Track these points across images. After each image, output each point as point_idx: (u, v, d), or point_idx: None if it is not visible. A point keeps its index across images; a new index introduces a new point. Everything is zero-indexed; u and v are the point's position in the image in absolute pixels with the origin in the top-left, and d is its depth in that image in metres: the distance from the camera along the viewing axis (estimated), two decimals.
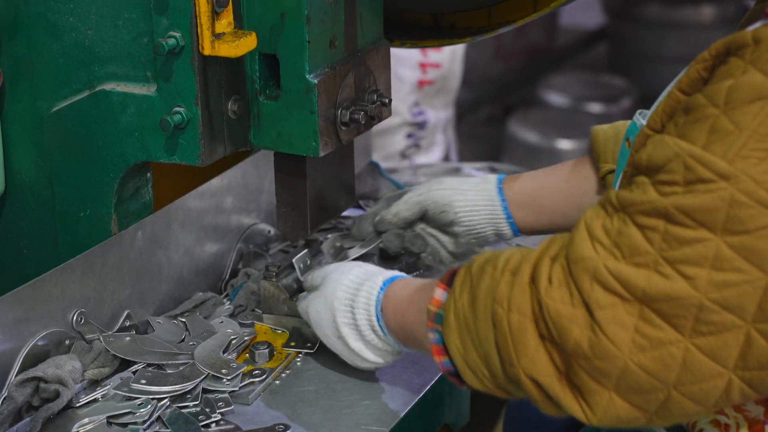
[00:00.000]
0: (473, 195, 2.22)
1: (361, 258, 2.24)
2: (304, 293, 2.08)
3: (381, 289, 1.90)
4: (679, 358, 1.53)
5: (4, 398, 1.88)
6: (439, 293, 1.75)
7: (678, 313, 1.52)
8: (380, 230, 2.28)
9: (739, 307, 1.50)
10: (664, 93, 1.69)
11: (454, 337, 1.70)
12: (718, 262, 1.51)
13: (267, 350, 2.06)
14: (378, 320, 1.89)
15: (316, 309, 1.97)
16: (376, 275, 1.93)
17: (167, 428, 1.88)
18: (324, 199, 2.16)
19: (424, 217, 2.26)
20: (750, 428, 1.70)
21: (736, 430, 1.71)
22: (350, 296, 1.92)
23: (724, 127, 1.52)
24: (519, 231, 2.22)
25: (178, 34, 1.94)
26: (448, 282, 1.75)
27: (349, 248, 2.29)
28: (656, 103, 1.71)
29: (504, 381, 1.66)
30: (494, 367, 1.65)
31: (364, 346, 1.93)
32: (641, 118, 1.83)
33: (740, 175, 1.49)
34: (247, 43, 1.93)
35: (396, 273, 1.95)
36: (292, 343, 2.11)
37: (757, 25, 1.59)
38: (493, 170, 3.15)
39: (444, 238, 2.26)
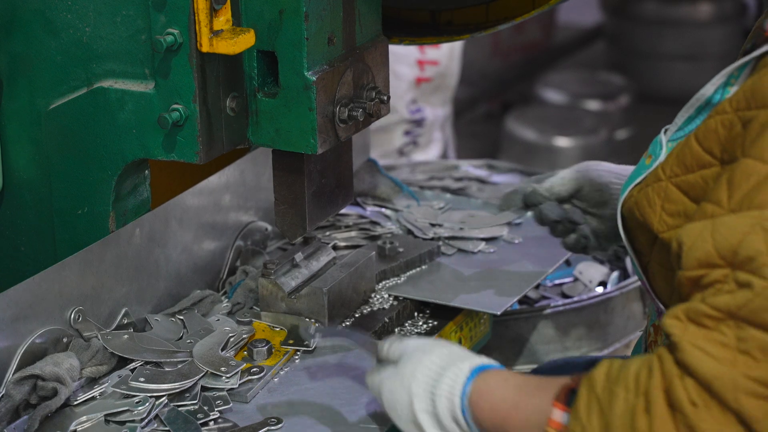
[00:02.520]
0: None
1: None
2: (378, 366, 1.87)
3: (469, 378, 1.73)
4: None
5: (2, 396, 1.88)
6: (559, 414, 1.61)
7: None
8: (531, 203, 2.24)
9: None
10: (676, 134, 1.66)
11: None
12: None
13: (265, 348, 2.06)
14: (463, 412, 1.72)
15: (390, 389, 1.79)
16: (463, 360, 1.76)
17: (165, 426, 1.88)
18: (322, 197, 2.16)
19: (577, 195, 2.22)
20: None
21: None
22: (432, 381, 1.75)
23: None
24: None
25: (176, 31, 1.93)
26: (566, 401, 1.62)
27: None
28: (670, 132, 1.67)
29: None
30: None
31: None
32: (664, 136, 1.80)
33: None
34: (246, 40, 1.92)
35: (485, 361, 1.77)
36: (291, 341, 2.10)
37: (765, 48, 1.56)
38: (490, 167, 3.15)
39: (592, 221, 2.21)
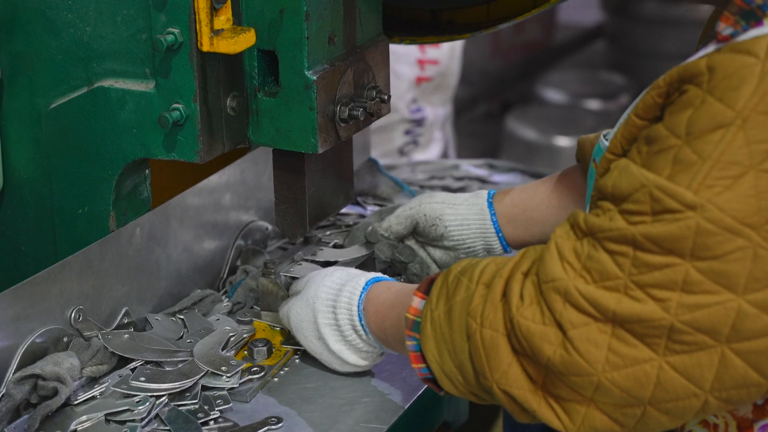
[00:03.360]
0: (464, 209, 2.23)
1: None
2: (286, 300, 2.08)
3: (363, 289, 1.93)
4: (653, 376, 1.56)
5: (2, 395, 1.87)
6: (417, 301, 1.79)
7: (650, 333, 1.55)
8: (370, 241, 2.29)
9: (712, 329, 1.53)
10: (622, 118, 1.71)
11: (431, 346, 1.74)
12: (687, 285, 1.53)
13: (265, 347, 2.06)
14: (360, 320, 1.92)
15: (296, 311, 1.99)
16: (359, 276, 1.95)
17: (166, 426, 1.88)
18: (322, 196, 2.16)
19: (415, 230, 2.26)
20: (739, 427, 1.71)
21: (725, 429, 1.72)
22: (332, 297, 1.94)
23: (687, 157, 1.54)
24: (509, 246, 2.23)
25: (176, 31, 1.93)
26: (426, 290, 1.79)
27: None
28: (615, 128, 1.72)
29: (478, 390, 1.71)
30: (469, 376, 1.70)
31: (345, 348, 1.95)
32: (605, 140, 1.84)
33: (706, 204, 1.52)
34: (246, 39, 1.92)
35: (379, 275, 1.97)
36: (291, 341, 2.10)
37: (710, 49, 1.60)
38: (491, 167, 3.15)
39: (435, 252, 2.27)
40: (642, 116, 1.66)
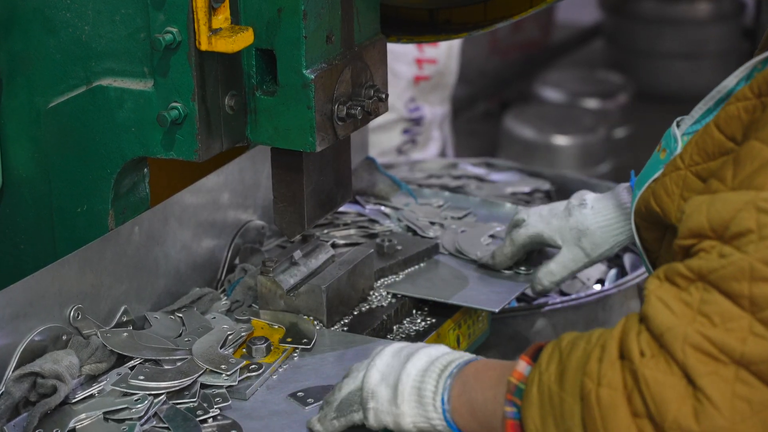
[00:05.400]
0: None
1: None
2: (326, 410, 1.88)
3: (464, 362, 1.77)
4: None
5: (2, 393, 1.88)
6: (523, 366, 1.67)
7: None
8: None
9: None
10: (692, 127, 1.66)
11: (533, 413, 1.62)
12: None
13: (264, 345, 2.06)
14: (443, 401, 1.75)
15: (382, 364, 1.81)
16: (456, 352, 1.80)
17: (164, 424, 1.88)
18: (321, 195, 2.16)
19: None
20: None
21: None
22: (430, 360, 1.79)
23: None
24: None
25: (174, 30, 1.94)
26: (534, 356, 1.68)
27: None
28: (690, 121, 1.67)
29: None
30: None
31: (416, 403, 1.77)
32: (677, 127, 1.81)
33: None
34: (244, 38, 1.93)
35: (470, 355, 1.81)
36: (289, 339, 2.11)
37: None
38: (489, 166, 3.15)
39: None
40: (721, 128, 1.60)
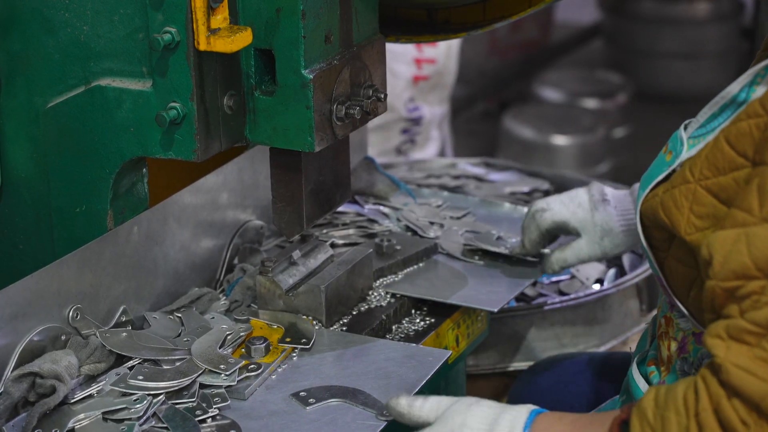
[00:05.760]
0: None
1: None
2: None
3: (528, 419, 1.73)
4: None
5: (1, 394, 1.88)
6: None
7: None
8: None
9: None
10: (698, 131, 1.65)
11: None
12: None
13: (263, 345, 2.06)
14: None
15: None
16: (516, 407, 1.76)
17: (163, 424, 1.88)
18: (319, 195, 2.16)
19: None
20: None
21: None
22: (488, 426, 1.73)
23: None
24: None
25: (173, 30, 1.94)
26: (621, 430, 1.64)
27: None
28: (696, 126, 1.66)
29: None
30: None
31: None
32: (684, 131, 1.81)
33: None
34: (243, 38, 1.93)
35: (536, 407, 1.77)
36: (288, 339, 2.11)
37: None
38: (488, 165, 3.15)
39: None
40: (732, 144, 1.60)
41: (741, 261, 1.52)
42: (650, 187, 1.82)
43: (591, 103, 5.99)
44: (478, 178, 3.06)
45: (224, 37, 1.91)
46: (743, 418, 1.50)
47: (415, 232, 2.52)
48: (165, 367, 1.99)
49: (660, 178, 1.81)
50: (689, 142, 1.80)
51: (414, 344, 2.14)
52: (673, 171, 1.81)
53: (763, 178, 1.54)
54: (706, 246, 1.60)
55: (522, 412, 1.73)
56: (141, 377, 1.95)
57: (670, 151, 1.84)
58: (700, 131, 1.80)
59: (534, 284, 2.73)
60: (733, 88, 1.75)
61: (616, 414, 1.66)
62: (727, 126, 1.63)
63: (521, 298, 2.69)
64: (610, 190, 2.28)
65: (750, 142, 1.60)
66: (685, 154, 1.78)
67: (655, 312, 2.06)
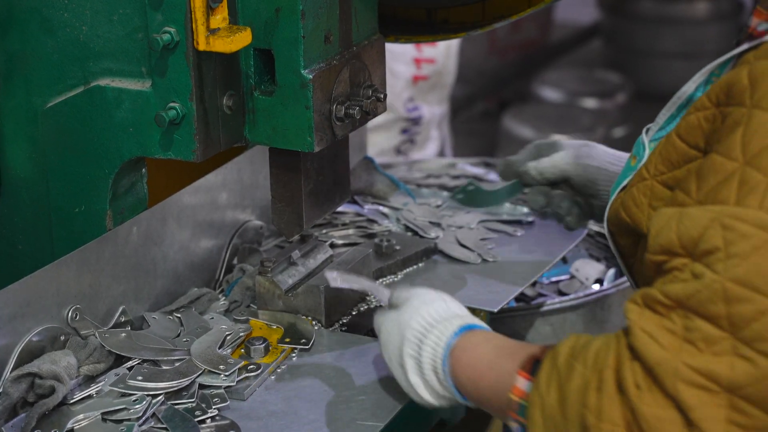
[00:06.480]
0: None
1: None
2: (384, 309, 1.99)
3: (456, 334, 1.84)
4: None
5: (0, 394, 1.88)
6: (522, 382, 1.70)
7: (766, 394, 1.50)
8: (523, 183, 2.33)
9: None
10: (658, 134, 1.68)
11: None
12: None
13: (262, 346, 2.06)
14: (443, 364, 1.83)
15: (387, 330, 1.92)
16: (455, 318, 1.87)
17: (162, 424, 1.88)
18: (319, 195, 2.16)
19: (567, 181, 2.28)
20: None
21: None
22: (423, 330, 1.86)
23: (750, 177, 1.50)
24: None
25: (172, 30, 1.93)
26: (531, 370, 1.70)
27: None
28: (654, 130, 1.69)
29: None
30: None
31: (421, 383, 1.87)
32: (645, 135, 1.82)
33: None
34: (242, 38, 1.93)
35: (476, 321, 1.88)
36: (288, 339, 2.11)
37: (744, 47, 1.58)
38: (487, 165, 3.15)
39: (574, 206, 2.29)
40: (683, 138, 1.62)
41: (669, 237, 1.56)
42: (616, 192, 1.82)
43: (590, 103, 6.00)
44: (478, 178, 3.06)
45: (223, 37, 1.91)
46: (638, 381, 1.54)
47: (414, 232, 2.52)
48: (164, 367, 1.99)
49: (625, 183, 1.83)
50: (650, 146, 1.81)
51: None
52: None
53: (702, 164, 1.57)
54: (649, 221, 1.65)
55: (455, 323, 1.85)
56: (140, 378, 1.95)
57: (634, 156, 1.85)
58: (660, 133, 1.81)
59: (534, 284, 2.73)
60: (689, 87, 1.77)
61: (534, 350, 1.72)
62: (678, 122, 1.64)
63: (521, 298, 2.69)
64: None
65: (700, 134, 1.62)
66: (647, 156, 1.79)
67: None
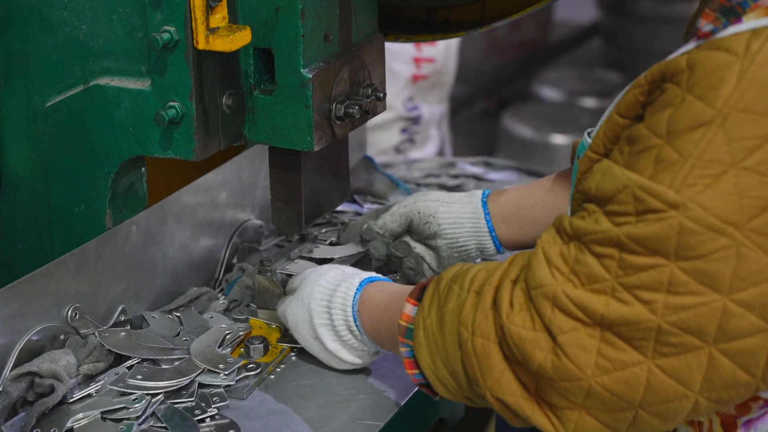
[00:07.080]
0: (458, 207, 2.22)
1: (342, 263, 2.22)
2: (283, 298, 2.09)
3: (357, 289, 1.94)
4: (643, 380, 1.56)
5: None
6: (409, 308, 1.80)
7: (638, 336, 1.55)
8: (365, 239, 2.29)
9: (698, 329, 1.53)
10: (605, 116, 1.71)
11: (424, 354, 1.75)
12: (673, 286, 1.54)
13: (262, 345, 2.06)
14: (355, 320, 1.93)
15: (293, 311, 2.01)
16: (353, 276, 1.97)
17: (162, 423, 1.88)
18: (318, 194, 2.16)
19: (410, 228, 2.26)
20: (723, 424, 1.72)
21: (710, 426, 1.72)
22: (327, 297, 1.96)
23: (668, 156, 1.55)
24: (502, 246, 2.22)
25: (172, 29, 1.93)
26: (418, 297, 1.80)
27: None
28: (598, 126, 1.73)
29: (473, 396, 1.72)
30: (462, 383, 1.71)
31: (341, 347, 1.97)
32: (588, 137, 1.84)
33: (688, 203, 1.52)
34: (242, 37, 1.93)
35: (373, 274, 1.98)
36: (287, 338, 2.11)
37: (690, 46, 1.60)
38: (487, 165, 3.15)
39: (428, 254, 2.26)
40: (624, 114, 1.66)
41: (589, 185, 1.63)
42: (571, 194, 1.84)
43: (590, 103, 6.00)
44: (477, 178, 3.06)
45: (223, 36, 1.91)
46: (512, 300, 1.63)
47: None
48: (164, 366, 1.99)
49: (575, 181, 1.84)
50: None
51: None
52: None
53: (633, 130, 1.62)
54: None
55: (354, 281, 1.94)
56: (140, 377, 1.95)
57: (578, 156, 1.86)
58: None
59: None
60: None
61: (425, 282, 1.81)
62: (617, 102, 1.69)
63: None
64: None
65: (639, 107, 1.65)
66: (592, 140, 1.81)
67: None
